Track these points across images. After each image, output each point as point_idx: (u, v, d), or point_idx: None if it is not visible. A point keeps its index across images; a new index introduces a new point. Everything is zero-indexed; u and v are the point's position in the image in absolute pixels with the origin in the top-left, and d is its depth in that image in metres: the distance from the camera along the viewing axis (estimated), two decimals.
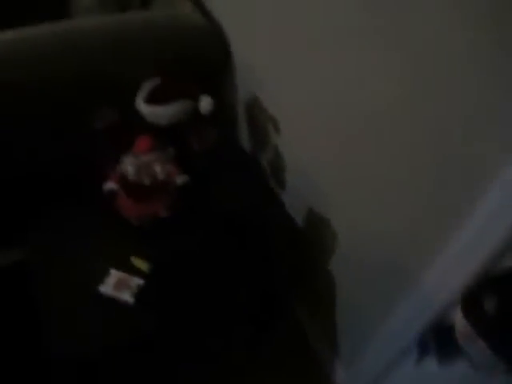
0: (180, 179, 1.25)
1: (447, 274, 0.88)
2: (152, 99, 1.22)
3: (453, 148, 0.79)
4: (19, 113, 1.19)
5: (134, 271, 1.15)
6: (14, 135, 1.22)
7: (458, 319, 0.83)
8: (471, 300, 0.83)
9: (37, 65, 1.17)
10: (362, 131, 1.00)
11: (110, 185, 1.21)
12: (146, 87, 1.24)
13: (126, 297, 1.10)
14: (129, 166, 1.22)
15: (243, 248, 1.26)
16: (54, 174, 1.23)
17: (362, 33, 0.90)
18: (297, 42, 1.12)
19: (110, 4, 1.50)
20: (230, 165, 1.45)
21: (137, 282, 1.13)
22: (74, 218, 1.23)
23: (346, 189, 1.14)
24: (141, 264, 1.17)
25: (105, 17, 1.43)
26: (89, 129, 1.17)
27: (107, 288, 1.11)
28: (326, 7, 0.98)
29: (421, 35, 0.78)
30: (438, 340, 0.97)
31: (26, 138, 1.22)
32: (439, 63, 0.77)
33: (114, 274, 1.13)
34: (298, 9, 1.07)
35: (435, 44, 0.76)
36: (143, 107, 1.22)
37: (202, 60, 1.41)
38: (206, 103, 1.19)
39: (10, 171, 1.24)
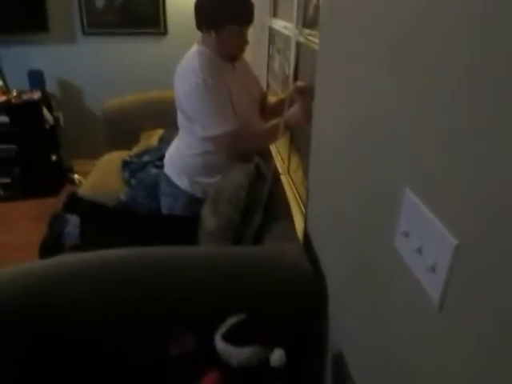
0: None
1: None
2: (229, 337, 1.22)
3: None
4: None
5: None
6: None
7: None
8: None
9: (138, 284, 1.31)
10: None
11: None
12: (229, 322, 1.26)
13: None
14: None
15: None
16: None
17: None
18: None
19: (227, 233, 1.68)
20: None
21: None
22: None
23: None
24: None
25: (215, 248, 1.60)
26: (162, 352, 1.20)
27: None
28: None
29: None
30: None
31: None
32: None
33: None
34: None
35: None
36: (219, 343, 1.23)
37: (297, 304, 1.42)
38: (277, 357, 1.15)
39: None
